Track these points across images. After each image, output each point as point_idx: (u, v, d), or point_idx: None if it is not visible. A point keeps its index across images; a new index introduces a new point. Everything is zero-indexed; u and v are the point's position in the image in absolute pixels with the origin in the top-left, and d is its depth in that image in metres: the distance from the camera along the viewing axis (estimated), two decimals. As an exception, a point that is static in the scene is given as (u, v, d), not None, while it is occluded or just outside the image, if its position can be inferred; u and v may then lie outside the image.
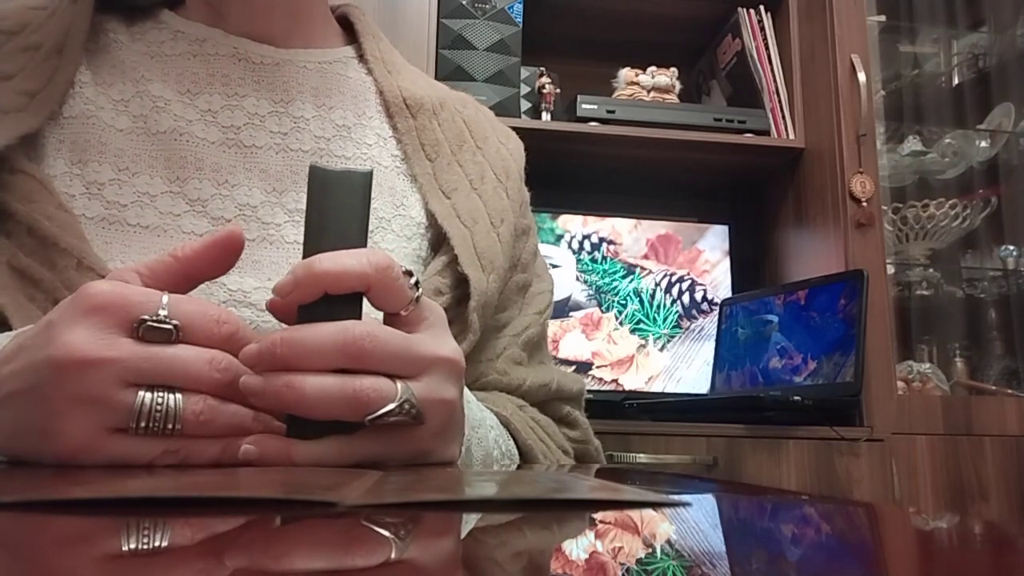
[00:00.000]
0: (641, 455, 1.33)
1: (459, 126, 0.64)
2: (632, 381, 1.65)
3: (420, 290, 0.39)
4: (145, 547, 0.18)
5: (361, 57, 0.65)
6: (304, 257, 0.38)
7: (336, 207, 0.39)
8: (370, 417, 0.36)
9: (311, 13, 0.63)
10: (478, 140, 0.65)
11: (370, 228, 0.58)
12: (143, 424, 0.34)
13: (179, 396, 0.35)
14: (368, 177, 0.39)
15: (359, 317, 0.37)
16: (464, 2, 1.55)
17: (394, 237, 0.58)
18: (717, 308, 1.70)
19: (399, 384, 0.37)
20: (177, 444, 0.35)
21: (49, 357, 0.34)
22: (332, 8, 0.67)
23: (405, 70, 0.66)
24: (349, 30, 0.67)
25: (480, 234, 0.58)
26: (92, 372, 0.33)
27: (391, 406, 0.36)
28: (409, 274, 0.39)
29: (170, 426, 0.34)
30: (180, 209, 0.53)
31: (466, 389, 0.48)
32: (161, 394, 0.34)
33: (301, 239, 0.54)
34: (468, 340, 0.55)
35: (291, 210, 0.55)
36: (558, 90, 1.66)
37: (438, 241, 0.59)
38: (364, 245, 0.39)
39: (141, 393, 0.34)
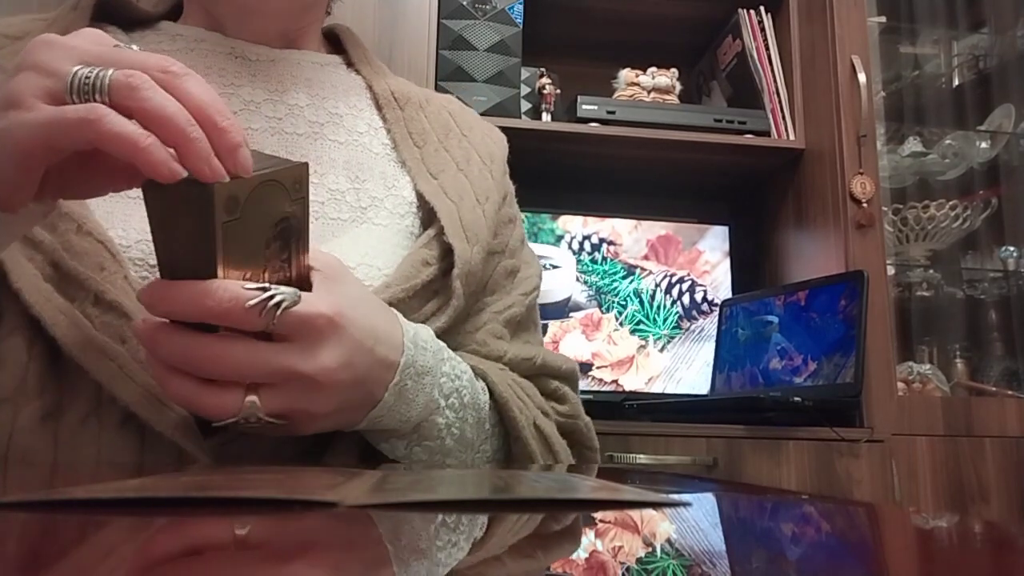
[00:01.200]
0: (641, 455, 1.33)
1: (445, 117, 0.68)
2: (632, 382, 1.65)
3: (279, 312, 0.40)
4: (144, 547, 0.18)
5: (349, 64, 0.70)
6: (159, 273, 0.41)
7: (178, 223, 0.39)
8: (216, 424, 0.41)
9: (304, 31, 0.67)
10: (463, 129, 0.68)
11: (363, 206, 0.60)
12: (74, 96, 0.37)
13: (111, 71, 0.37)
14: (208, 191, 0.37)
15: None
16: (464, 3, 1.56)
17: (387, 214, 0.61)
18: (717, 309, 1.70)
19: (248, 398, 0.41)
20: (99, 109, 0.36)
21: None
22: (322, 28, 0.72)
23: (392, 75, 0.71)
24: (336, 45, 0.72)
25: (466, 208, 0.61)
26: (52, 49, 0.38)
27: (232, 420, 0.41)
28: (266, 290, 0.40)
29: (97, 97, 0.37)
30: None
31: (421, 329, 0.51)
32: (95, 69, 0.37)
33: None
34: (452, 307, 0.57)
35: None
36: (558, 91, 1.66)
37: (428, 219, 0.61)
38: (213, 259, 0.39)
39: (78, 67, 0.37)
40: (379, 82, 0.68)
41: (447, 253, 0.58)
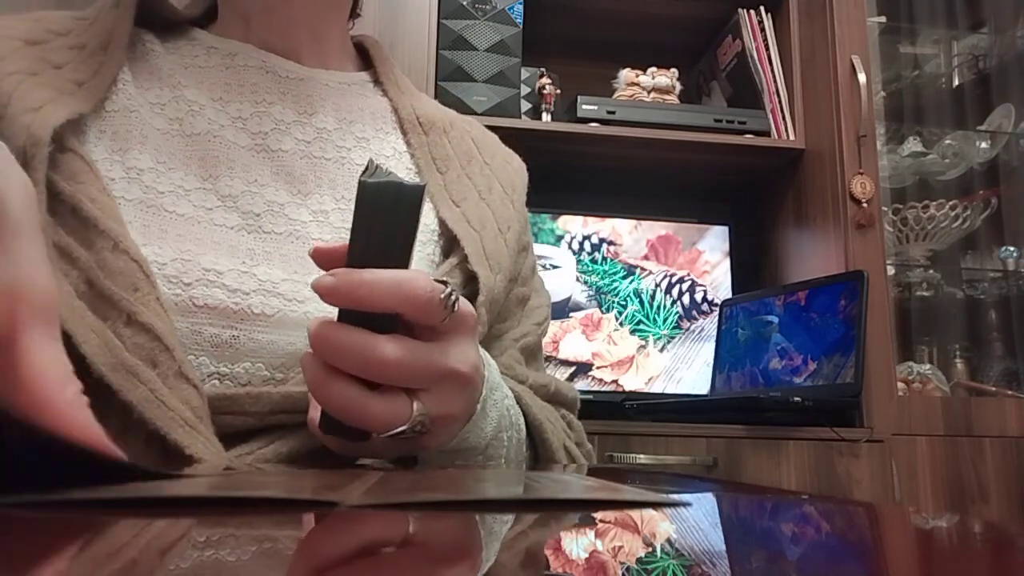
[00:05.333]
0: (641, 455, 1.33)
1: (468, 143, 0.68)
2: (632, 382, 1.65)
3: (455, 307, 0.39)
4: (143, 547, 0.18)
5: (376, 81, 0.70)
6: (347, 263, 0.38)
7: (383, 220, 0.38)
8: (381, 435, 0.39)
9: (329, 35, 0.67)
10: (486, 156, 0.68)
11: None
12: None
13: None
14: (420, 191, 0.37)
15: (391, 322, 0.39)
16: (464, 3, 1.56)
17: None
18: (717, 309, 1.70)
19: (415, 405, 0.39)
20: None
21: None
22: (352, 37, 0.72)
23: (417, 94, 0.70)
24: (364, 58, 0.72)
25: (488, 238, 0.61)
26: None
27: (402, 427, 0.39)
28: (445, 284, 0.39)
29: None
30: (212, 204, 0.54)
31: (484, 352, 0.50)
32: None
33: (325, 237, 0.56)
34: (478, 333, 0.56)
35: (315, 211, 0.58)
36: (558, 91, 1.66)
37: (449, 246, 0.61)
38: (408, 260, 0.38)
39: None
40: (404, 104, 0.67)
41: (469, 281, 0.58)
